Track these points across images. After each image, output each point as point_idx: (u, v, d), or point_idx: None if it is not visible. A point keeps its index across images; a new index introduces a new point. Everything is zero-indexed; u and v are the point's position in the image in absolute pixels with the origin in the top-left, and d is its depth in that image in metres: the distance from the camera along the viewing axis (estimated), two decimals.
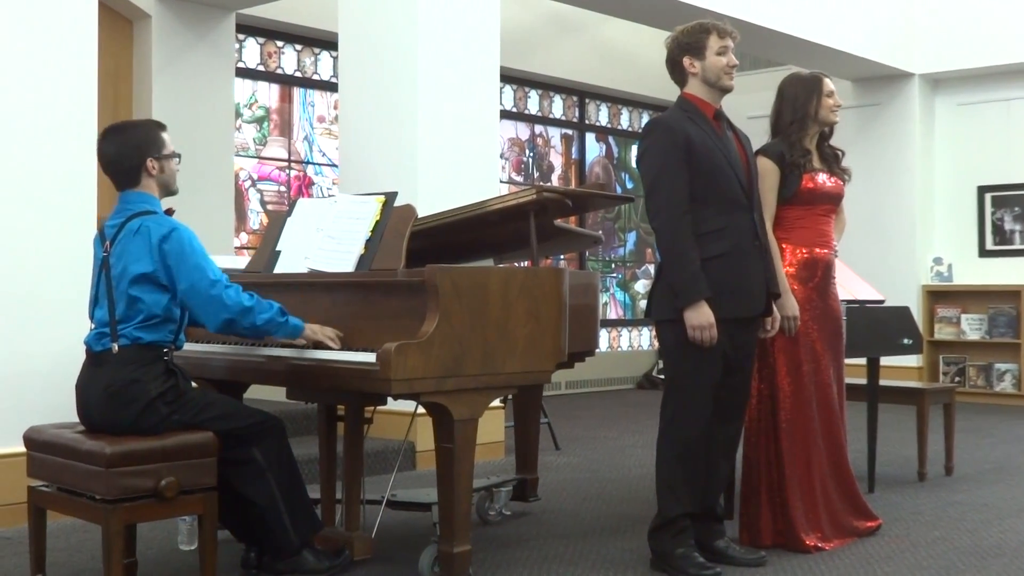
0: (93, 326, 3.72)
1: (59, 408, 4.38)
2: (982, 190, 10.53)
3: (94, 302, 3.75)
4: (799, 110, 4.65)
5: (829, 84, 4.71)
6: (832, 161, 4.73)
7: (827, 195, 4.65)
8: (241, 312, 3.62)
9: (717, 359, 4.04)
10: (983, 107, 10.50)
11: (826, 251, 4.66)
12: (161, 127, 3.84)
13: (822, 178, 4.63)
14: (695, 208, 4.01)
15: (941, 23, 10.40)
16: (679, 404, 4.10)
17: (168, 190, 3.84)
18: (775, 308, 4.28)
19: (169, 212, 3.82)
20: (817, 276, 4.61)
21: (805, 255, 4.60)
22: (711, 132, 4.09)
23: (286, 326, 3.72)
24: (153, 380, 3.59)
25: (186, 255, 3.61)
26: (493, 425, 6.49)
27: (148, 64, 7.52)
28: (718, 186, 4.05)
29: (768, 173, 4.53)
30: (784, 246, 4.58)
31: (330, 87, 9.21)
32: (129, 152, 3.74)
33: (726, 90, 4.15)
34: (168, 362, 3.67)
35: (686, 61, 4.14)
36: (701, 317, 3.94)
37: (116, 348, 3.60)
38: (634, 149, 12.17)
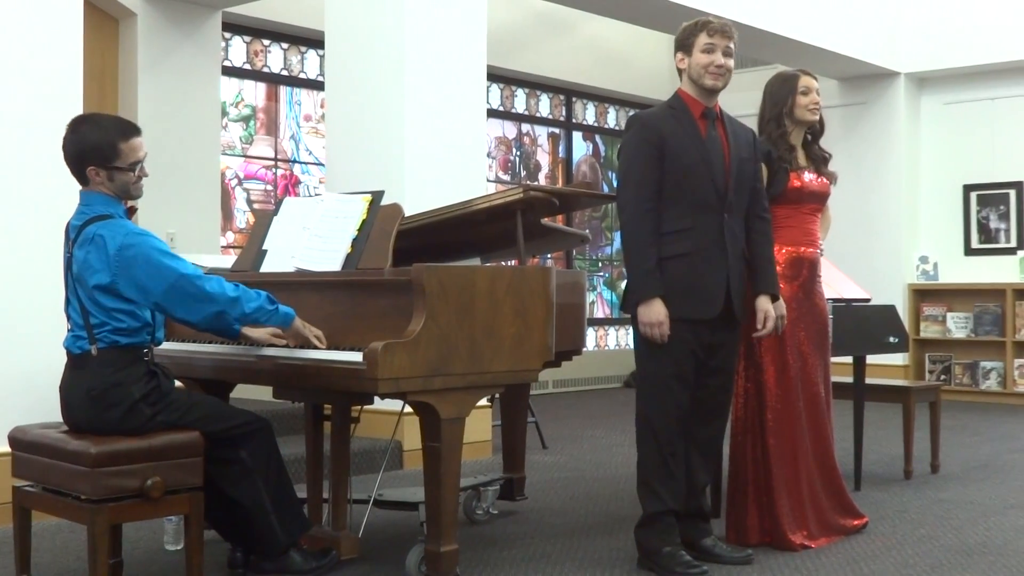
0: (69, 327, 3.68)
1: (44, 408, 4.36)
2: (967, 189, 10.56)
3: (67, 301, 3.70)
4: (775, 108, 4.70)
5: (807, 82, 4.70)
6: (820, 162, 4.74)
7: (813, 194, 4.67)
8: (228, 302, 3.55)
9: (681, 355, 4.05)
10: (968, 106, 10.53)
11: (812, 250, 4.67)
12: (125, 134, 3.64)
13: (808, 177, 4.65)
14: (664, 207, 4.03)
15: (926, 22, 10.43)
16: (648, 400, 4.12)
17: (124, 196, 3.69)
18: (769, 308, 4.26)
19: (131, 211, 3.75)
20: (803, 274, 4.62)
21: (791, 254, 4.61)
22: (692, 131, 4.09)
23: (277, 314, 3.68)
24: (135, 383, 3.55)
25: (152, 259, 3.50)
26: (480, 424, 6.48)
27: (134, 63, 7.50)
28: (687, 186, 4.05)
29: None
30: None
31: (317, 86, 9.19)
32: (73, 153, 3.63)
33: (709, 89, 4.13)
34: (149, 363, 3.63)
35: (678, 57, 4.20)
36: (651, 314, 3.97)
37: (95, 351, 3.55)
38: None
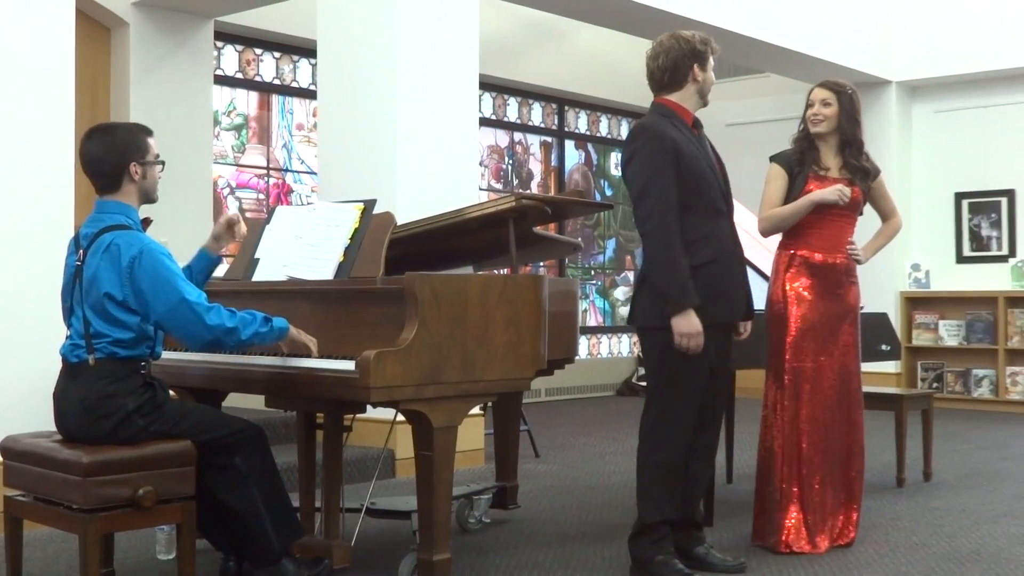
0: (68, 335, 3.67)
1: (36, 417, 4.36)
2: (959, 197, 10.58)
3: (69, 310, 3.70)
4: (802, 117, 4.79)
5: (813, 95, 4.77)
6: (855, 172, 4.74)
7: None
8: (225, 332, 3.55)
9: (704, 367, 4.04)
10: (960, 114, 10.56)
11: (840, 256, 4.69)
12: (147, 132, 3.75)
13: (828, 184, 4.65)
14: (681, 215, 3.99)
15: (918, 31, 10.46)
16: (662, 412, 4.09)
17: (148, 198, 3.74)
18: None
19: (146, 222, 3.76)
20: (830, 282, 4.67)
21: (816, 260, 4.66)
22: (693, 139, 4.10)
23: (272, 333, 3.67)
24: (129, 394, 3.55)
25: (160, 279, 3.52)
26: (473, 432, 6.48)
27: (126, 72, 7.50)
28: (702, 192, 4.05)
29: (770, 178, 4.69)
30: (794, 251, 4.68)
31: (309, 94, 9.19)
32: (113, 155, 3.65)
33: (705, 104, 4.19)
34: (145, 375, 3.63)
35: (695, 68, 4.11)
36: (690, 325, 3.92)
37: (92, 360, 3.55)
38: (613, 156, 12.19)
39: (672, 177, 3.98)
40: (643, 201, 4.01)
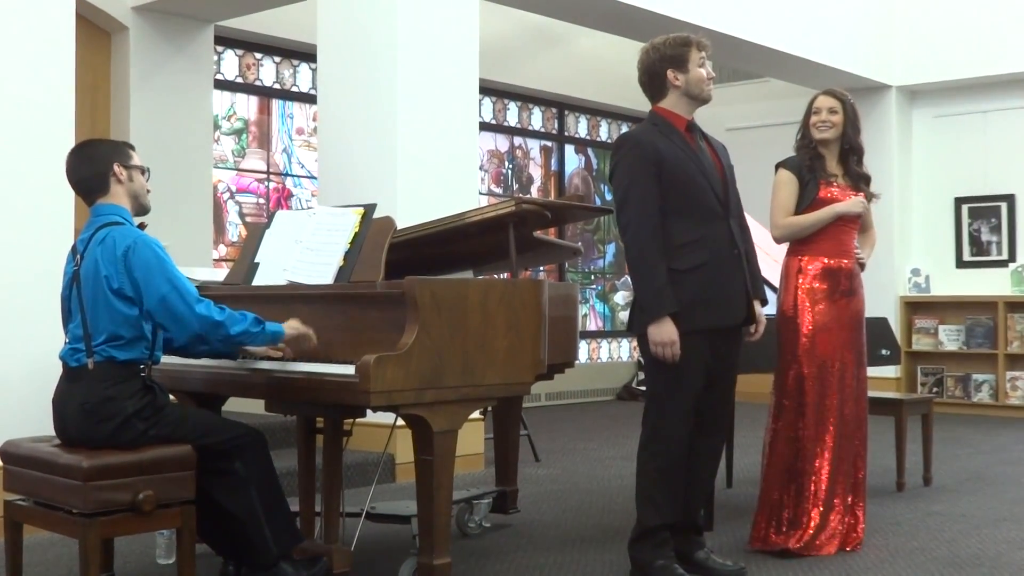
0: (67, 340, 3.68)
1: (36, 422, 4.36)
2: (959, 201, 10.59)
3: (67, 316, 3.71)
4: (802, 124, 4.85)
5: (818, 102, 4.84)
6: (857, 179, 4.83)
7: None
8: (213, 325, 3.56)
9: (698, 372, 4.04)
10: (960, 119, 10.56)
11: (846, 261, 4.76)
12: (128, 145, 3.83)
13: (836, 190, 4.74)
14: (671, 221, 4.00)
15: (918, 35, 10.46)
16: (659, 417, 4.09)
17: (139, 204, 3.78)
18: (762, 315, 4.30)
19: (141, 227, 3.77)
20: (838, 285, 4.72)
21: (825, 265, 4.71)
22: (683, 144, 4.09)
23: (264, 334, 3.68)
24: (129, 398, 3.55)
25: (152, 268, 3.54)
26: (473, 437, 6.47)
27: (126, 76, 7.51)
28: (692, 197, 4.05)
29: (781, 184, 4.74)
30: (804, 257, 4.73)
31: (309, 99, 9.20)
32: (95, 161, 3.71)
33: (707, 100, 4.16)
34: (145, 379, 3.62)
35: (670, 74, 4.11)
36: (663, 333, 3.92)
37: (91, 364, 3.55)
38: None
39: (653, 185, 3.99)
40: (623, 210, 4.04)
